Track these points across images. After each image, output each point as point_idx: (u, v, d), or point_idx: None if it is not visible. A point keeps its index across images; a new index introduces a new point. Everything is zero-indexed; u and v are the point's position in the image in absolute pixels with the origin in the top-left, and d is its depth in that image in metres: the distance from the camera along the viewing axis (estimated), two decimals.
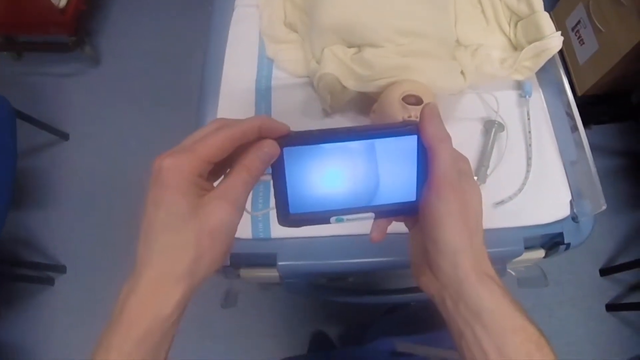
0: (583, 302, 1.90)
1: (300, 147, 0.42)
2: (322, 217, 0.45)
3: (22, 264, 1.92)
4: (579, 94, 2.04)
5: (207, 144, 0.38)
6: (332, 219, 0.45)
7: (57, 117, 2.16)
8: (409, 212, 0.46)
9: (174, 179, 0.37)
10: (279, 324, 1.80)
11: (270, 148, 0.40)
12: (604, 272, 1.93)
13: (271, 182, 0.43)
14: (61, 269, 1.93)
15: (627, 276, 1.90)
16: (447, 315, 0.43)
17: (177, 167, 0.37)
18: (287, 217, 0.44)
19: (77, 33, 2.12)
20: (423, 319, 1.06)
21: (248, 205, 0.80)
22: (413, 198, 0.45)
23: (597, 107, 2.03)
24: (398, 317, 1.38)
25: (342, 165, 0.43)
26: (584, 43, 1.98)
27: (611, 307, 1.88)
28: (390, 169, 0.44)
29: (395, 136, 0.43)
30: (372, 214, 0.46)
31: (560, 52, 2.08)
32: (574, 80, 2.08)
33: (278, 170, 0.42)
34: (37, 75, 2.28)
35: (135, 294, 0.38)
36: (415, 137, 0.43)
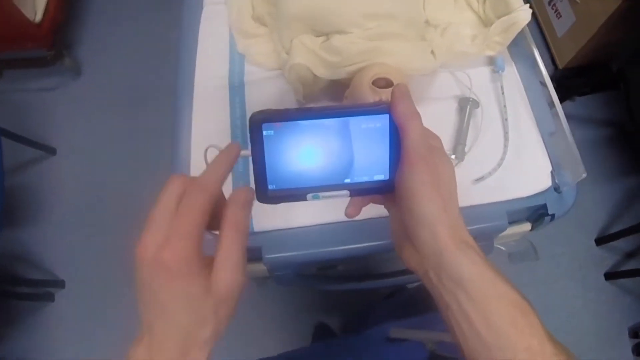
0: (580, 273, 1.91)
1: (278, 123, 0.44)
2: (299, 194, 0.47)
3: (20, 281, 1.93)
4: (560, 67, 2.05)
5: (193, 222, 0.39)
6: (309, 195, 0.47)
7: (42, 132, 2.16)
8: (383, 190, 0.48)
9: (179, 267, 0.38)
10: (279, 318, 1.81)
11: (246, 195, 0.43)
12: (600, 241, 1.93)
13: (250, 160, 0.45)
14: (60, 284, 1.93)
15: (622, 244, 1.91)
16: (432, 288, 0.44)
17: (177, 258, 0.38)
18: (265, 194, 0.46)
19: (55, 46, 2.12)
20: (418, 301, 1.07)
21: (228, 191, 0.81)
22: (386, 177, 0.47)
23: (578, 79, 2.04)
24: (394, 301, 1.39)
25: (318, 142, 0.45)
26: (561, 16, 1.99)
27: (610, 276, 1.89)
28: (364, 148, 0.46)
29: (368, 114, 0.45)
30: (347, 192, 0.47)
31: (539, 26, 2.12)
32: (554, 54, 2.09)
33: (257, 147, 0.44)
34: (19, 91, 2.28)
35: None
36: (387, 116, 0.45)
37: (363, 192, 0.48)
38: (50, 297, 1.91)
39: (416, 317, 0.89)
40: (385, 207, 0.52)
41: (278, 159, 0.45)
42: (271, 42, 0.93)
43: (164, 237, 0.38)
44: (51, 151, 2.14)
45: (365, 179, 0.47)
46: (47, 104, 2.25)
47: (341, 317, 1.84)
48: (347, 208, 0.50)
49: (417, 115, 0.44)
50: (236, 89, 0.91)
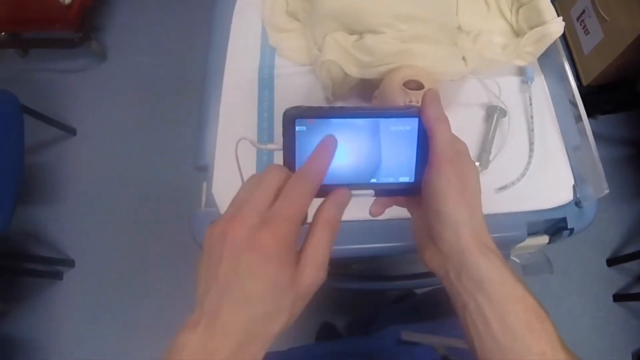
0: (590, 291, 1.90)
1: (310, 119, 0.45)
2: (324, 191, 0.46)
3: (31, 258, 1.95)
4: (585, 83, 2.04)
5: (297, 210, 0.38)
6: None
7: (64, 113, 2.18)
8: (407, 192, 0.49)
9: (277, 251, 0.36)
10: None
11: (346, 197, 0.43)
12: (611, 262, 1.92)
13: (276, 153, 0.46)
14: (70, 263, 1.95)
15: (634, 266, 1.90)
16: (450, 288, 0.45)
17: (278, 240, 0.37)
18: None
19: (83, 29, 2.14)
20: (428, 307, 1.07)
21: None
22: (411, 179, 0.48)
23: (602, 96, 2.03)
24: (404, 306, 1.39)
25: (348, 141, 0.46)
26: (589, 32, 1.98)
27: (618, 297, 1.88)
28: (391, 149, 0.47)
29: (398, 117, 0.46)
30: (372, 192, 0.48)
31: (566, 42, 2.11)
32: (580, 70, 2.08)
33: (289, 141, 0.45)
34: (43, 71, 2.31)
35: (221, 353, 0.35)
36: (416, 119, 0.46)
37: (388, 192, 0.49)
38: (59, 276, 1.93)
39: (426, 323, 0.89)
40: (407, 209, 0.53)
41: (307, 154, 0.45)
42: (303, 38, 0.93)
43: (261, 219, 0.37)
44: (71, 132, 2.16)
45: (391, 180, 0.48)
46: (70, 86, 2.27)
47: (347, 317, 1.84)
48: (371, 206, 0.52)
49: (446, 120, 0.45)
50: (265, 82, 0.92)
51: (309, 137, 0.45)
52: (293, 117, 0.45)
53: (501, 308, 0.41)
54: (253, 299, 0.36)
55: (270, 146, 0.53)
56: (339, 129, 0.45)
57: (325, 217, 0.41)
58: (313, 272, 0.39)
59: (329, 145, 0.43)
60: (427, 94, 0.46)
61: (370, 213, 0.51)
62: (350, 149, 0.46)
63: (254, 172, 0.82)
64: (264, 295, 0.36)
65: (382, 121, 0.46)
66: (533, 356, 0.39)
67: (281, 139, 0.46)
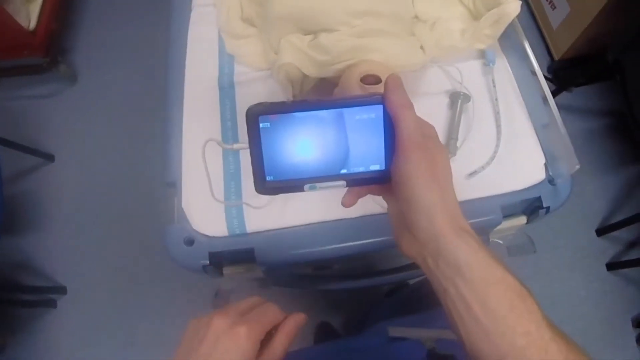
0: (583, 264, 1.90)
1: (274, 115, 0.45)
2: (296, 185, 0.48)
3: (22, 289, 1.93)
4: (556, 58, 2.05)
5: (268, 320, 0.50)
6: (306, 186, 0.48)
7: (40, 140, 2.16)
8: (379, 180, 0.49)
9: (247, 343, 0.46)
10: None
11: (303, 318, 0.53)
12: (601, 232, 1.93)
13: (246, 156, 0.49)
14: (62, 290, 1.93)
15: (624, 234, 1.90)
16: (430, 275, 0.45)
17: (250, 334, 0.46)
18: (263, 185, 0.48)
19: (50, 53, 2.13)
20: (418, 299, 1.06)
21: (220, 196, 0.81)
22: (382, 167, 0.48)
23: (574, 69, 2.03)
24: (396, 299, 1.39)
25: (314, 134, 0.46)
26: (555, 7, 1.98)
27: (612, 266, 1.89)
28: (359, 139, 0.47)
29: (362, 105, 0.46)
30: (343, 182, 0.49)
31: (533, 18, 2.12)
32: (550, 45, 2.08)
33: (254, 139, 0.46)
34: (15, 99, 2.28)
35: None
36: (380, 107, 0.46)
37: (359, 182, 0.49)
38: (52, 304, 1.91)
39: (415, 315, 0.89)
40: (383, 197, 0.53)
41: (275, 150, 0.46)
42: (260, 43, 0.93)
43: (241, 320, 0.47)
44: (49, 158, 2.14)
45: (361, 169, 0.48)
46: (43, 111, 2.25)
47: (343, 316, 1.84)
48: (343, 198, 0.51)
49: (410, 105, 0.45)
50: (226, 90, 0.91)
51: (274, 133, 0.46)
52: (256, 114, 0.45)
53: (481, 291, 0.40)
54: None
55: (236, 146, 0.54)
56: (303, 123, 0.46)
57: (286, 330, 0.51)
58: None
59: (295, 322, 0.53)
60: (389, 79, 0.46)
61: (342, 204, 0.51)
62: (316, 141, 0.47)
63: (221, 176, 0.82)
64: None
65: (346, 111, 0.46)
66: (517, 336, 0.39)
67: (243, 142, 0.48)
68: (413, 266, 0.98)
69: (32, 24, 2.02)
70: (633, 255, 1.90)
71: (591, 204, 1.96)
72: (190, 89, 0.92)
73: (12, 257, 1.97)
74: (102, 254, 1.98)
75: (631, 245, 1.92)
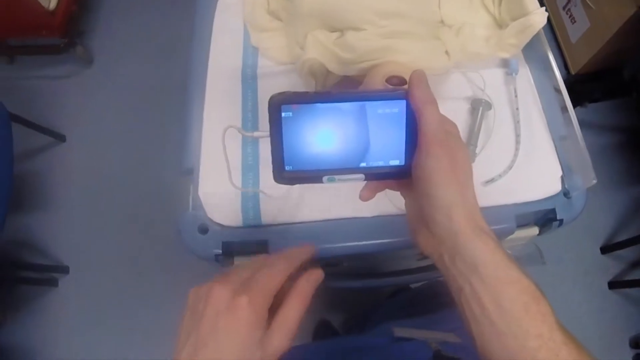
0: (585, 279, 1.91)
1: (296, 105, 0.45)
2: (315, 176, 0.48)
3: (25, 266, 1.94)
4: (573, 72, 2.04)
5: (273, 283, 0.44)
6: (325, 178, 0.48)
7: (52, 119, 2.17)
8: (398, 175, 0.49)
9: (251, 314, 0.41)
10: None
11: (319, 276, 0.48)
12: (605, 249, 1.93)
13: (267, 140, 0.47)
14: (64, 270, 1.94)
15: (628, 253, 1.90)
16: (445, 272, 0.45)
17: (253, 305, 0.41)
18: (282, 174, 0.48)
19: (68, 35, 2.13)
20: (422, 301, 1.06)
21: (238, 182, 0.81)
22: (402, 162, 0.48)
23: (590, 84, 2.03)
24: (398, 301, 1.39)
25: (336, 126, 0.46)
26: (575, 21, 1.98)
27: (613, 285, 1.89)
28: (380, 133, 0.47)
29: (385, 100, 0.46)
30: (362, 176, 0.49)
31: (552, 31, 2.11)
32: (567, 59, 2.08)
33: (276, 127, 0.46)
34: (30, 78, 2.29)
35: None
36: (404, 102, 0.46)
37: (378, 176, 0.49)
38: (54, 283, 1.93)
39: (420, 318, 0.89)
40: (400, 193, 0.53)
41: (295, 140, 0.46)
42: (285, 37, 0.93)
43: (242, 288, 0.42)
44: (61, 138, 2.15)
45: (380, 163, 0.48)
46: (58, 92, 2.26)
47: (343, 314, 1.84)
48: (361, 191, 0.51)
49: (434, 101, 0.45)
50: (248, 81, 0.91)
51: (295, 122, 0.46)
52: (279, 103, 0.45)
53: (496, 291, 0.40)
54: (225, 355, 0.40)
55: (257, 133, 0.53)
56: (325, 114, 0.46)
57: (299, 292, 0.45)
58: (281, 337, 0.43)
59: (302, 252, 0.49)
60: (414, 75, 0.46)
61: (360, 197, 0.51)
62: (338, 133, 0.47)
63: (239, 166, 0.82)
64: (236, 352, 0.41)
65: (369, 104, 0.46)
66: (530, 338, 0.39)
67: (264, 131, 0.47)
68: (422, 269, 0.98)
69: (52, 5, 2.02)
70: (636, 275, 1.91)
71: (598, 221, 1.96)
72: (212, 78, 0.92)
73: (17, 234, 1.98)
74: (107, 237, 1.99)
75: (634, 265, 1.93)
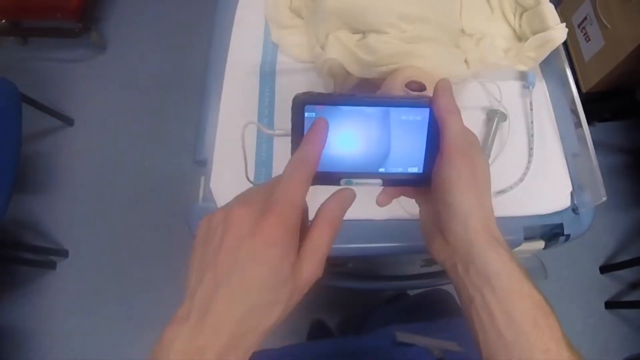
0: (582, 298, 1.90)
1: (320, 106, 0.45)
2: (333, 178, 0.48)
3: (24, 247, 1.94)
4: (584, 90, 2.05)
5: (299, 193, 0.38)
6: (342, 180, 0.48)
7: (62, 103, 2.17)
8: (415, 183, 0.49)
9: (283, 235, 0.36)
10: None
11: (350, 197, 0.43)
12: (604, 269, 1.93)
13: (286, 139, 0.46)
14: (63, 253, 1.94)
15: (627, 274, 1.91)
16: (457, 282, 0.45)
17: (284, 223, 0.36)
18: None
19: (83, 19, 2.14)
20: (422, 308, 1.07)
21: (251, 176, 0.81)
22: (420, 170, 0.48)
23: (601, 104, 2.03)
24: (398, 306, 1.39)
25: (357, 129, 0.46)
26: (589, 39, 1.98)
27: (610, 305, 1.89)
28: (401, 139, 0.47)
29: (410, 107, 0.46)
30: (380, 181, 0.48)
31: (566, 48, 2.11)
32: (579, 77, 2.08)
33: (298, 127, 0.45)
34: (42, 60, 2.29)
35: (211, 350, 0.34)
36: (427, 110, 0.46)
37: (396, 182, 0.49)
38: (52, 265, 1.93)
39: (420, 323, 0.89)
40: (416, 200, 0.53)
41: None
42: (306, 35, 0.93)
43: (266, 207, 0.36)
44: (69, 122, 2.15)
45: (399, 170, 0.48)
46: (69, 76, 2.26)
47: (339, 315, 1.84)
48: (378, 196, 0.51)
49: (458, 111, 0.45)
50: (267, 77, 0.92)
51: None
52: (303, 102, 0.44)
53: (507, 303, 0.41)
54: (252, 288, 0.35)
55: (277, 131, 0.53)
56: (348, 117, 0.45)
57: (328, 216, 0.41)
58: (312, 266, 0.38)
59: (320, 128, 0.42)
60: (440, 84, 0.46)
61: (377, 202, 0.51)
62: (359, 137, 0.46)
63: (253, 161, 0.82)
64: (264, 283, 0.35)
65: (393, 110, 0.46)
66: (537, 352, 0.39)
67: (283, 129, 0.47)
68: (426, 275, 0.99)
69: None
70: (633, 296, 1.91)
71: (600, 240, 1.96)
72: (231, 72, 0.92)
73: (20, 215, 1.99)
74: (108, 223, 1.99)
75: (633, 286, 1.93)
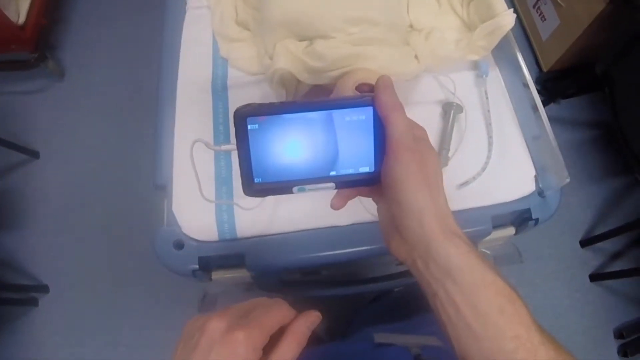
0: (566, 274, 1.92)
1: (262, 117, 0.44)
2: (284, 187, 0.48)
3: (3, 286, 1.90)
4: (545, 69, 2.06)
5: (271, 322, 0.43)
6: (295, 188, 0.48)
7: (25, 136, 2.13)
8: (368, 182, 0.48)
9: (245, 351, 0.40)
10: None
11: (317, 317, 0.46)
12: (584, 243, 1.94)
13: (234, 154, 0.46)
14: (44, 289, 1.90)
15: (607, 245, 1.92)
16: (419, 277, 0.45)
17: (248, 340, 0.40)
18: (251, 187, 0.47)
19: (38, 48, 2.09)
20: (403, 305, 1.06)
21: (211, 195, 0.80)
22: (372, 169, 0.48)
23: (563, 81, 2.05)
24: (379, 306, 1.38)
25: (303, 136, 0.46)
26: (545, 19, 2.00)
27: (594, 277, 1.90)
28: (348, 140, 0.46)
29: (352, 107, 0.46)
30: (332, 184, 0.48)
31: (523, 29, 2.13)
32: (539, 57, 2.10)
33: (242, 140, 0.45)
34: (1, 94, 2.25)
35: None
36: (370, 108, 0.45)
37: (349, 184, 0.48)
38: (34, 302, 1.89)
39: (401, 322, 0.88)
40: (372, 199, 0.52)
41: (263, 152, 0.46)
42: (254, 47, 0.93)
43: (239, 323, 0.41)
44: (34, 155, 2.11)
45: (350, 171, 0.48)
46: (29, 107, 2.22)
47: (327, 321, 1.82)
48: (332, 199, 0.51)
49: (401, 106, 0.45)
50: (219, 93, 0.91)
51: (262, 134, 0.45)
52: (244, 115, 0.44)
53: (471, 294, 0.40)
54: None
55: (224, 147, 0.52)
56: (292, 124, 0.45)
57: (295, 332, 0.43)
58: None
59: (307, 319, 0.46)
60: (380, 80, 0.45)
61: (331, 206, 0.51)
62: (305, 143, 0.46)
63: (212, 180, 0.82)
64: None
65: (336, 112, 0.45)
66: (507, 340, 0.39)
67: (231, 144, 0.47)
68: (401, 274, 0.99)
69: (22, 19, 1.98)
70: (616, 266, 1.92)
71: (576, 215, 1.98)
72: (182, 91, 0.92)
73: None
74: (86, 253, 1.96)
75: (614, 256, 1.94)
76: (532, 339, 0.39)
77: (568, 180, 0.81)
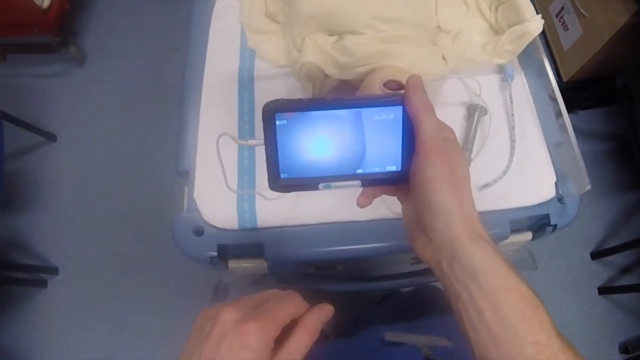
0: (575, 285, 1.91)
1: (290, 113, 0.44)
2: (310, 183, 0.47)
3: (13, 266, 1.92)
4: (565, 79, 2.06)
5: (284, 314, 0.42)
6: (321, 185, 0.48)
7: (43, 119, 2.15)
8: (395, 181, 0.48)
9: (257, 342, 0.39)
10: None
11: (330, 312, 0.45)
12: (595, 255, 1.94)
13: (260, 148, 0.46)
14: (53, 271, 1.92)
15: (617, 259, 1.91)
16: (443, 279, 0.45)
17: (261, 331, 0.40)
18: (277, 182, 0.47)
19: (61, 33, 2.11)
20: (413, 306, 1.06)
21: (234, 185, 0.81)
22: (398, 168, 0.47)
23: (582, 92, 2.05)
24: (388, 305, 1.39)
25: (331, 133, 0.46)
26: (567, 29, 2.00)
27: (603, 290, 1.89)
28: (376, 139, 0.46)
29: (381, 106, 0.45)
30: (359, 182, 0.48)
31: (545, 38, 2.13)
32: (559, 67, 2.09)
33: (270, 136, 0.45)
34: (22, 77, 2.27)
35: None
36: (400, 108, 0.45)
37: (375, 182, 0.48)
38: (42, 284, 1.90)
39: (409, 323, 0.88)
40: (398, 198, 0.52)
41: (290, 148, 0.46)
42: (282, 40, 0.93)
43: (252, 314, 0.41)
44: (52, 138, 2.13)
45: (377, 169, 0.48)
46: (49, 91, 2.24)
47: (334, 318, 1.83)
48: (358, 197, 0.51)
49: (431, 107, 0.45)
50: (245, 84, 0.91)
51: (290, 130, 0.45)
52: (273, 111, 0.44)
53: (494, 298, 0.40)
54: None
55: (251, 142, 0.53)
56: (320, 121, 0.45)
57: (307, 325, 0.43)
58: None
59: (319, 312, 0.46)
60: (410, 80, 0.45)
61: (357, 204, 0.51)
62: (333, 140, 0.46)
63: (235, 169, 0.82)
64: None
65: (365, 111, 0.45)
66: (527, 345, 0.39)
67: (258, 139, 0.47)
68: (416, 273, 0.99)
69: (46, 3, 2.00)
70: (625, 281, 1.92)
71: (588, 227, 1.97)
72: (209, 81, 0.92)
73: (6, 234, 1.96)
74: (97, 238, 1.98)
75: (624, 271, 1.94)
76: (552, 345, 0.39)
77: (589, 187, 0.81)
